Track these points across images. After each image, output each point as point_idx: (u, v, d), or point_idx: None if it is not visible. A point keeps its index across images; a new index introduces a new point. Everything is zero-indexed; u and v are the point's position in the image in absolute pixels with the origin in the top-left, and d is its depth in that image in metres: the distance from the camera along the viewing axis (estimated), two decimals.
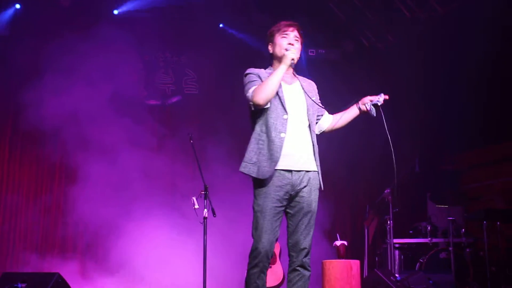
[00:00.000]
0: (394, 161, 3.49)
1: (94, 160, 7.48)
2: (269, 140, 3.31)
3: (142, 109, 8.03)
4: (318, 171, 3.40)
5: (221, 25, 8.35)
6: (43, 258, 7.44)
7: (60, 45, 7.40)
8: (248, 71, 3.47)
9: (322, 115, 3.58)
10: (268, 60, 3.61)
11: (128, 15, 7.86)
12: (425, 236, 7.08)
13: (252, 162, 3.34)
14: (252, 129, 3.44)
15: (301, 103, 3.42)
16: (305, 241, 3.35)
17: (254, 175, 3.31)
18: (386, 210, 7.08)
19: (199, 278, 5.41)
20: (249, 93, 3.34)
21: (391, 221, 6.90)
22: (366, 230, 7.68)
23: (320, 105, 3.57)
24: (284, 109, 3.35)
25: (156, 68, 8.27)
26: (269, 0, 8.11)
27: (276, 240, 3.34)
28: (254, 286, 3.29)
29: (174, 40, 8.17)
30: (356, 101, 3.49)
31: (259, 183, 3.32)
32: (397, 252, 7.10)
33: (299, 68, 3.65)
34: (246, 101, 3.42)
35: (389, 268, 6.80)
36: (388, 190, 6.99)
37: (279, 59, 3.45)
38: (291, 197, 3.34)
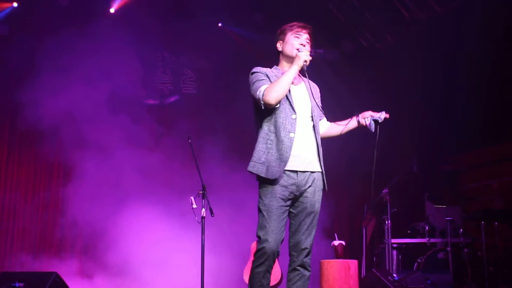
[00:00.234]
0: (372, 179, 3.56)
1: (92, 159, 7.48)
2: (278, 140, 3.31)
3: (140, 108, 8.03)
4: (322, 172, 3.42)
5: (220, 25, 8.35)
6: (41, 257, 7.43)
7: (58, 44, 7.40)
8: (254, 69, 3.46)
9: (320, 120, 3.59)
10: (275, 59, 3.60)
11: (126, 15, 7.84)
12: (423, 236, 7.08)
13: (260, 161, 3.33)
14: (259, 128, 3.42)
15: (307, 104, 3.43)
16: (307, 241, 3.36)
17: (263, 175, 3.31)
18: (384, 210, 7.08)
19: (197, 277, 5.41)
20: (260, 92, 3.32)
21: (389, 221, 6.91)
22: (364, 230, 7.67)
23: (321, 109, 3.58)
24: (293, 109, 3.35)
25: (155, 67, 8.26)
26: (267, 0, 8.10)
27: (283, 240, 3.34)
28: (258, 285, 3.29)
29: (173, 39, 8.16)
30: (357, 114, 3.50)
31: (266, 183, 3.32)
32: (395, 252, 7.10)
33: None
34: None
35: (387, 268, 6.80)
36: (386, 190, 7.00)
37: (287, 58, 3.47)
38: (296, 197, 3.35)
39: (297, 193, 3.34)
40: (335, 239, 6.26)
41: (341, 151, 7.52)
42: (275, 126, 3.34)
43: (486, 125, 7.53)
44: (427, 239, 7.00)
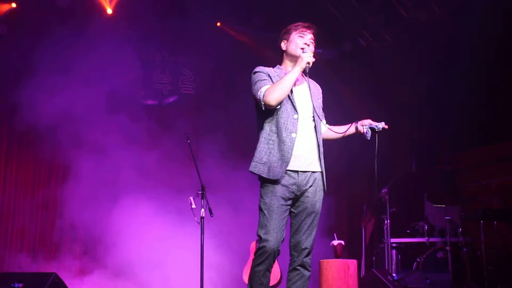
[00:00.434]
0: (376, 183, 3.57)
1: (91, 159, 7.47)
2: (280, 141, 3.32)
3: (139, 108, 8.02)
4: (322, 172, 3.42)
5: (218, 24, 8.34)
6: (39, 258, 7.42)
7: (56, 44, 7.38)
8: (257, 69, 3.46)
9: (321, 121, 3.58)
10: (279, 58, 3.60)
11: (125, 15, 7.83)
12: (422, 236, 7.09)
13: (262, 162, 3.34)
14: (260, 128, 3.42)
15: (309, 104, 3.42)
16: (307, 241, 3.37)
17: (264, 175, 3.31)
18: (383, 209, 7.08)
19: (197, 277, 5.41)
20: (261, 92, 3.32)
21: (388, 221, 6.91)
22: (363, 230, 7.68)
23: (322, 111, 3.59)
24: (295, 109, 3.35)
25: (153, 67, 8.25)
26: (267, 0, 8.10)
27: (283, 239, 3.34)
28: (258, 284, 3.29)
29: (171, 39, 8.15)
30: (356, 121, 3.52)
31: (267, 182, 3.32)
32: (394, 251, 7.10)
33: None
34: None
35: (387, 267, 6.81)
36: (385, 190, 7.00)
37: (291, 57, 3.47)
38: (297, 197, 3.36)
39: (298, 193, 3.34)
40: (335, 239, 6.26)
41: (341, 151, 7.54)
42: (277, 126, 3.34)
43: (485, 124, 7.54)
44: (426, 238, 7.01)
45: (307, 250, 3.36)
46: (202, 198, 5.42)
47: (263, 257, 3.27)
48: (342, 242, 6.25)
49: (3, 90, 7.63)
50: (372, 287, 5.84)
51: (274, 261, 3.32)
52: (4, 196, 7.52)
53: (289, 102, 3.36)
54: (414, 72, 7.99)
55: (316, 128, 3.43)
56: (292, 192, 3.33)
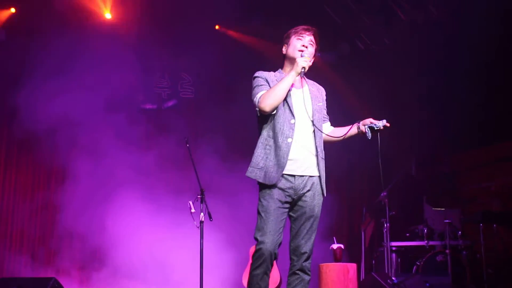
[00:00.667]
0: (382, 183, 3.52)
1: (90, 163, 7.47)
2: (276, 146, 3.32)
3: (138, 112, 8.02)
4: (320, 176, 3.39)
5: (217, 27, 8.34)
6: (39, 262, 7.41)
7: (55, 49, 7.38)
8: (256, 74, 3.47)
9: (324, 123, 3.56)
10: (278, 61, 3.60)
11: (123, 19, 7.83)
12: (421, 239, 7.08)
13: (259, 167, 3.35)
14: (259, 133, 3.43)
15: (308, 108, 3.40)
16: (306, 246, 3.36)
17: (261, 180, 3.33)
18: (382, 213, 7.08)
19: (196, 281, 5.40)
20: (256, 98, 3.35)
21: (388, 224, 6.91)
22: (363, 233, 7.67)
23: (325, 112, 3.58)
24: (292, 113, 3.35)
25: (152, 71, 8.25)
26: (265, 3, 8.11)
27: (281, 243, 3.34)
28: None
29: (170, 43, 8.15)
30: (358, 121, 3.48)
31: (264, 186, 3.33)
32: (394, 255, 7.10)
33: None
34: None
35: (386, 271, 6.80)
36: (385, 193, 7.00)
37: (291, 60, 3.47)
38: (294, 201, 3.35)
39: (295, 197, 3.34)
40: (334, 243, 6.26)
41: (341, 154, 7.53)
42: (274, 131, 3.34)
43: (484, 126, 7.55)
44: (426, 242, 7.00)
45: (306, 255, 3.36)
46: (201, 202, 5.41)
47: (260, 260, 3.26)
48: (342, 245, 6.24)
49: (3, 94, 7.63)
50: None
51: (272, 265, 3.31)
52: (3, 200, 7.52)
53: (287, 107, 3.36)
54: (413, 74, 7.99)
55: (315, 132, 3.41)
56: (289, 196, 3.33)
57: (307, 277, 3.38)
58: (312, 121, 3.40)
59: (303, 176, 3.34)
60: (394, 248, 7.09)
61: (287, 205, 3.34)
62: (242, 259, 6.93)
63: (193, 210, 5.35)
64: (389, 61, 8.25)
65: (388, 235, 6.89)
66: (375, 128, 3.38)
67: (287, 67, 3.52)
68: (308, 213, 3.36)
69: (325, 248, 6.67)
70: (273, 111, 3.32)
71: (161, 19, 7.98)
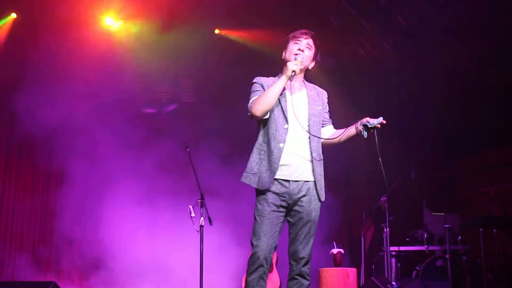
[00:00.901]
0: (385, 184, 3.44)
1: (89, 167, 7.49)
2: (269, 151, 3.32)
3: (138, 117, 8.03)
4: (316, 182, 3.37)
5: (216, 31, 8.36)
6: (38, 266, 7.41)
7: (55, 54, 7.40)
8: (254, 80, 3.48)
9: (324, 126, 3.52)
10: (278, 66, 3.60)
11: (123, 23, 7.85)
12: (421, 244, 7.08)
13: (253, 172, 3.36)
14: (256, 138, 3.44)
15: (304, 113, 3.40)
16: (304, 251, 3.35)
17: (254, 185, 3.34)
18: (382, 218, 7.08)
19: (196, 286, 5.40)
20: (249, 103, 3.36)
21: (388, 229, 6.91)
22: (362, 238, 7.67)
23: (326, 116, 3.54)
24: (285, 118, 3.34)
25: (152, 76, 8.26)
26: (265, 8, 8.13)
27: (276, 246, 3.34)
28: None
29: (170, 47, 8.16)
30: (356, 121, 3.41)
31: (260, 191, 3.34)
32: (393, 259, 7.10)
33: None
34: (247, 107, 3.41)
35: (386, 276, 6.80)
36: (385, 198, 7.00)
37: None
38: (290, 205, 3.35)
39: (290, 202, 3.33)
40: (334, 247, 6.26)
41: (341, 158, 7.54)
42: (267, 136, 3.35)
43: (483, 131, 7.56)
44: (426, 246, 7.00)
45: (304, 260, 3.35)
46: (201, 206, 5.42)
47: (256, 265, 3.25)
48: (342, 250, 6.25)
49: (2, 99, 7.64)
50: None
51: (268, 269, 3.30)
52: (2, 203, 7.52)
53: (281, 112, 3.35)
54: (413, 79, 8.01)
55: (311, 136, 3.39)
56: (284, 200, 3.32)
57: (306, 282, 3.37)
58: (308, 126, 3.38)
59: (298, 181, 3.34)
60: (394, 253, 7.09)
61: (283, 209, 3.34)
62: (242, 263, 6.94)
63: (193, 215, 5.36)
64: (389, 66, 8.26)
65: (388, 239, 6.89)
66: (369, 126, 3.30)
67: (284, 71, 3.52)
68: (305, 218, 3.35)
69: (325, 253, 6.67)
70: (264, 115, 3.32)
71: (161, 23, 7.99)
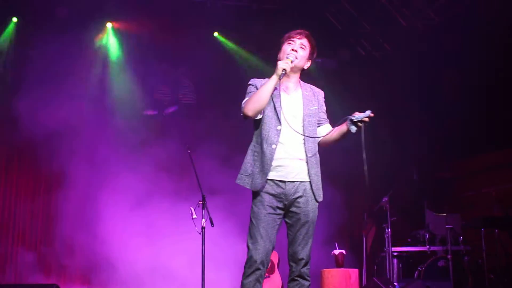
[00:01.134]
0: (366, 180, 3.41)
1: (91, 169, 7.49)
2: (262, 152, 3.32)
3: (139, 119, 8.04)
4: (311, 182, 3.35)
5: (215, 34, 8.37)
6: (41, 268, 7.42)
7: (56, 56, 7.42)
8: (250, 81, 3.48)
9: (320, 126, 3.48)
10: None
11: (124, 26, 7.87)
12: (423, 244, 7.08)
13: (247, 174, 3.36)
14: (251, 139, 3.44)
15: (298, 113, 3.38)
16: (303, 252, 3.33)
17: (248, 186, 3.33)
18: (384, 218, 7.08)
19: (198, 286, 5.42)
20: (242, 104, 3.35)
21: (389, 229, 6.91)
22: (364, 239, 7.67)
23: (322, 115, 3.50)
24: (279, 120, 3.33)
25: (153, 78, 8.28)
26: (265, 9, 8.14)
27: (273, 248, 3.33)
28: None
29: (171, 50, 8.18)
30: (344, 116, 3.31)
31: (255, 192, 3.34)
32: (395, 260, 7.09)
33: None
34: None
35: (388, 276, 6.79)
36: (386, 199, 7.00)
37: None
38: (286, 206, 3.33)
39: (286, 202, 3.32)
40: (336, 248, 6.26)
41: (342, 159, 7.55)
42: (261, 137, 3.34)
43: (485, 132, 7.55)
44: (428, 247, 7.00)
45: (304, 261, 3.33)
46: (203, 208, 5.42)
47: (252, 268, 3.24)
48: (343, 251, 6.25)
49: (4, 101, 7.65)
50: None
51: (264, 272, 3.29)
52: (4, 205, 7.53)
53: (274, 113, 3.34)
54: (413, 80, 8.01)
55: (306, 137, 3.36)
56: (281, 201, 3.31)
57: (306, 283, 3.36)
58: (303, 127, 3.37)
59: (294, 181, 3.32)
60: (395, 254, 7.09)
61: (280, 211, 3.32)
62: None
63: (194, 216, 5.37)
64: (390, 67, 8.27)
65: (389, 240, 6.89)
66: (354, 120, 3.22)
67: None
68: (303, 219, 3.33)
69: (327, 254, 6.68)
70: (256, 116, 3.31)
71: (162, 26, 8.00)
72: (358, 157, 8.11)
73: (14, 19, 7.65)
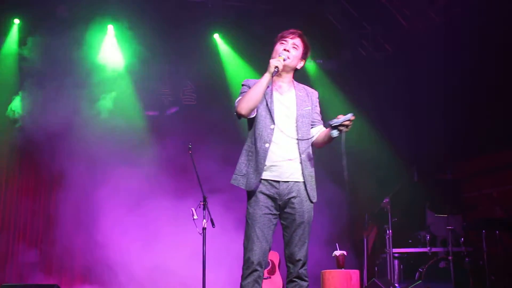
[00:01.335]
0: (346, 186, 3.39)
1: (91, 171, 7.50)
2: (256, 151, 3.31)
3: (140, 119, 8.04)
4: (305, 182, 3.33)
5: (215, 35, 8.37)
6: (41, 269, 7.42)
7: (57, 56, 7.42)
8: (243, 81, 3.47)
9: (313, 127, 3.45)
10: None
11: (125, 27, 7.87)
12: (424, 246, 7.07)
13: (242, 174, 3.35)
14: (246, 139, 3.43)
15: (292, 113, 3.37)
16: (300, 253, 3.32)
17: (243, 187, 3.33)
18: (385, 219, 7.07)
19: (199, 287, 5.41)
20: (236, 103, 3.35)
21: (390, 231, 6.90)
22: (365, 240, 7.66)
23: (316, 116, 3.47)
24: (272, 119, 3.32)
25: (154, 78, 8.27)
26: (265, 11, 8.14)
27: (270, 249, 3.32)
28: None
29: (172, 51, 8.18)
30: (327, 122, 3.27)
31: (250, 192, 3.33)
32: (396, 261, 7.08)
33: (299, 78, 3.60)
34: None
35: (389, 277, 6.78)
36: (387, 200, 6.99)
37: None
38: (281, 206, 3.32)
39: (280, 202, 3.31)
40: (336, 249, 6.25)
41: (340, 160, 7.53)
42: (254, 137, 3.34)
43: (486, 133, 7.54)
44: (429, 248, 6.99)
45: (301, 262, 3.32)
46: (204, 209, 5.42)
47: (250, 269, 3.23)
48: (344, 252, 6.24)
49: (6, 102, 7.66)
50: None
51: (262, 273, 3.28)
52: (5, 205, 7.54)
53: (267, 113, 3.34)
54: (414, 81, 8.00)
55: (299, 137, 3.35)
56: (275, 201, 3.31)
57: (305, 284, 3.35)
58: (296, 127, 3.35)
59: (288, 182, 3.31)
60: (396, 255, 7.08)
61: (275, 211, 3.31)
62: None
63: (195, 217, 5.36)
64: (391, 68, 8.26)
65: (390, 241, 6.88)
66: (332, 125, 3.17)
67: None
68: (298, 219, 3.31)
69: (327, 255, 6.66)
70: (249, 114, 3.31)
71: (162, 26, 8.01)
72: (360, 158, 8.14)
73: (16, 21, 7.66)
